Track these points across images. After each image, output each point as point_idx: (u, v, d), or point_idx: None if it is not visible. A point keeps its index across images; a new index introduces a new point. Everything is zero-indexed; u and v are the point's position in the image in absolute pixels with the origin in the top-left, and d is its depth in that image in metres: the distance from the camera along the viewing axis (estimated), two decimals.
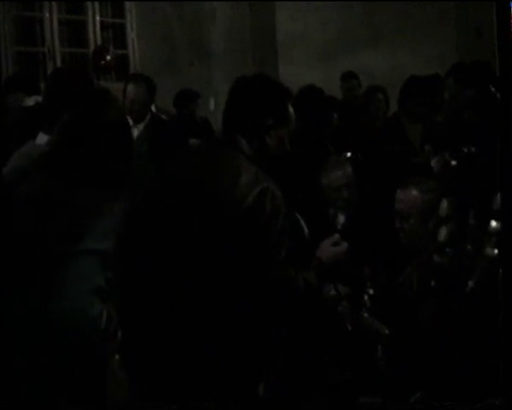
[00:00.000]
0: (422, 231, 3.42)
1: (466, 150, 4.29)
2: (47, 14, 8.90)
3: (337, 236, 3.11)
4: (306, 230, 4.28)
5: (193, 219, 2.70)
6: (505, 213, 2.00)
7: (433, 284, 3.28)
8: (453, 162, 4.25)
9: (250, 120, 2.79)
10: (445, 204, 3.57)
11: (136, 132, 5.74)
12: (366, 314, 3.29)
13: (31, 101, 5.93)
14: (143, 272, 2.76)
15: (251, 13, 9.77)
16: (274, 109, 2.82)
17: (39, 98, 6.03)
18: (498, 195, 2.73)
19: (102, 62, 8.81)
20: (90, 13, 9.26)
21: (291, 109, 2.89)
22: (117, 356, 2.71)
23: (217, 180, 2.70)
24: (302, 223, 4.29)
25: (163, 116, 7.29)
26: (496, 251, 3.08)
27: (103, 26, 9.48)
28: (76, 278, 2.54)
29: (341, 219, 4.40)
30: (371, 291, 3.31)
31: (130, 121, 5.16)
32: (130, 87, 6.06)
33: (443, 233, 3.56)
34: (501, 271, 2.29)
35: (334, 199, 4.36)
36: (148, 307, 2.75)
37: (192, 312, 2.68)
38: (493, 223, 2.95)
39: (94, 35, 9.30)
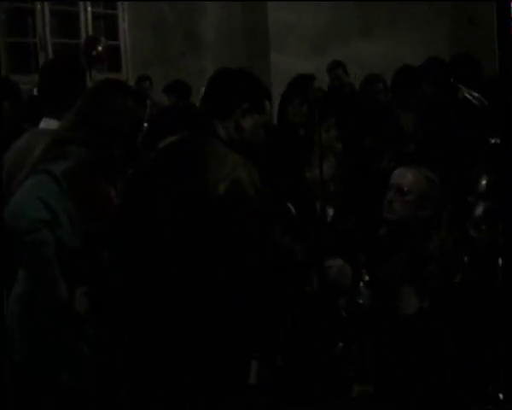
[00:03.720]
0: (415, 213, 3.42)
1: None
2: (38, 6, 8.90)
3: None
4: (297, 219, 4.31)
5: (174, 213, 2.71)
6: (505, 210, 2.02)
7: (466, 259, 3.26)
8: (493, 141, 4.23)
9: (225, 104, 2.85)
10: (484, 181, 3.57)
11: None
12: (361, 301, 3.28)
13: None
14: (130, 266, 2.81)
15: (242, 3, 9.76)
16: (250, 95, 2.88)
17: None
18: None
19: (94, 53, 8.79)
20: (81, 4, 9.25)
21: (268, 103, 2.96)
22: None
23: (194, 171, 2.73)
24: (293, 212, 4.30)
25: None
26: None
27: (95, 17, 9.48)
28: (28, 186, 2.86)
29: (330, 211, 4.42)
30: (367, 278, 3.31)
31: None
32: None
33: (479, 210, 3.57)
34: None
35: (320, 192, 4.37)
36: (135, 300, 2.78)
37: (180, 307, 2.70)
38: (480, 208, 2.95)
39: (85, 26, 9.29)
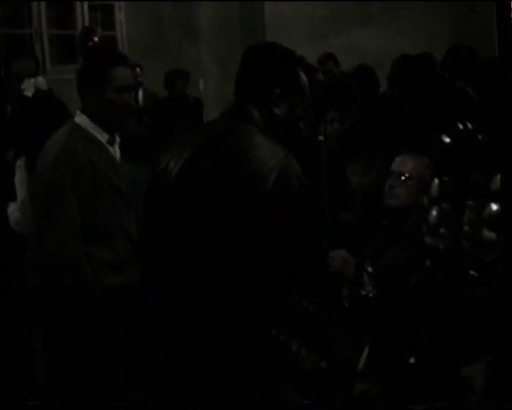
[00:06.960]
0: (416, 199, 3.41)
1: (461, 127, 4.22)
2: None
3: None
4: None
5: (216, 207, 2.61)
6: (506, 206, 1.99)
7: (428, 263, 3.26)
8: (447, 140, 4.18)
9: (258, 90, 2.74)
10: (435, 184, 3.54)
11: None
12: (364, 292, 3.26)
13: (29, 87, 5.97)
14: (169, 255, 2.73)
15: None
16: (282, 78, 2.75)
17: (39, 80, 6.18)
18: (498, 176, 2.70)
19: (90, 44, 8.76)
20: None
21: (303, 76, 2.82)
22: None
23: (239, 164, 2.62)
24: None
25: None
26: (493, 234, 3.05)
27: (91, 8, 9.46)
28: None
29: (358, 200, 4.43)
30: (370, 269, 3.29)
31: None
32: None
33: (434, 214, 3.53)
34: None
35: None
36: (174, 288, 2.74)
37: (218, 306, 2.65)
38: (493, 206, 2.88)
39: (82, 16, 9.27)
